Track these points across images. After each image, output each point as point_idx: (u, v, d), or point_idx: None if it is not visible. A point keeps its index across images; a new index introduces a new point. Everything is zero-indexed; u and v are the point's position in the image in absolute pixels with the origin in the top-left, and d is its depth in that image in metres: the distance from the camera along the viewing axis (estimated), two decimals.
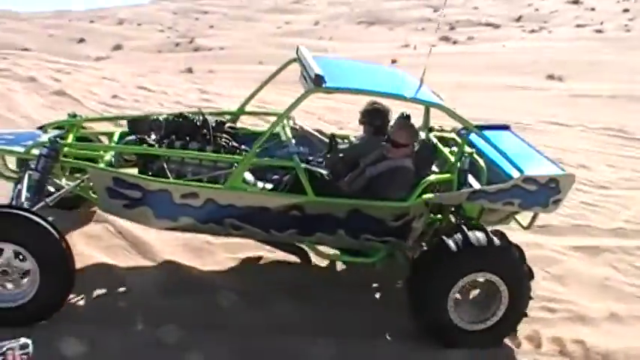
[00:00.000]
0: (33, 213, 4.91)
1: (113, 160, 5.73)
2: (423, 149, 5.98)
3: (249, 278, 5.96)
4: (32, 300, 4.91)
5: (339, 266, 6.40)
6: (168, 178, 5.48)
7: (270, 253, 6.23)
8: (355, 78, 6.12)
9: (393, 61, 30.52)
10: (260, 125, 7.41)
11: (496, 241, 5.21)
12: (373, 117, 6.15)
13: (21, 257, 4.85)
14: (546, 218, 7.57)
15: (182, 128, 5.84)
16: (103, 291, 5.49)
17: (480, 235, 5.23)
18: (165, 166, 5.56)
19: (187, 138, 5.69)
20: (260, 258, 6.36)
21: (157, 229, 5.81)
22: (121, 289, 5.56)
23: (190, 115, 6.03)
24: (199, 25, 43.57)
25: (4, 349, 2.14)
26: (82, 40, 36.90)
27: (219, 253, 6.36)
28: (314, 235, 5.61)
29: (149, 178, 5.46)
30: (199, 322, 5.19)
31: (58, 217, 6.23)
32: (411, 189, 5.47)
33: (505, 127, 6.79)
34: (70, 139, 5.90)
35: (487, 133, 6.15)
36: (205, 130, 5.78)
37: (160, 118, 6.04)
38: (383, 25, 46.86)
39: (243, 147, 5.86)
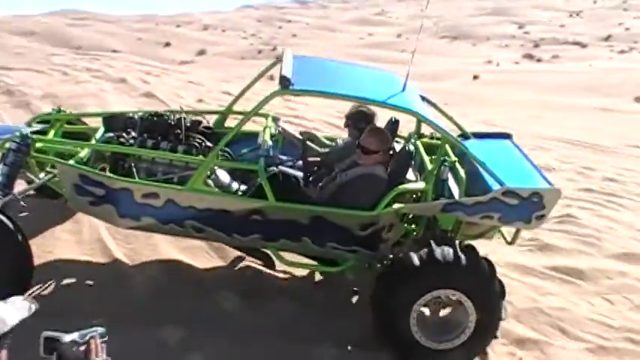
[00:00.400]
0: None
1: (89, 156, 5.65)
2: (401, 156, 5.58)
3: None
4: None
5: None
6: (134, 176, 5.40)
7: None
8: (333, 81, 5.72)
9: (475, 77, 30.23)
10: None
11: (462, 256, 4.83)
12: (357, 120, 5.94)
13: None
14: (630, 246, 7.36)
15: (156, 127, 5.71)
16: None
17: (445, 250, 4.86)
18: (132, 164, 5.46)
19: (159, 137, 5.57)
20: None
21: (121, 228, 5.70)
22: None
23: (166, 113, 5.90)
24: (282, 33, 44.11)
25: (87, 337, 2.16)
26: (168, 44, 37.75)
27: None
28: (278, 241, 5.39)
29: (111, 176, 5.34)
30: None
31: None
32: (380, 197, 5.18)
33: (506, 136, 6.41)
34: (52, 133, 5.93)
35: (484, 142, 5.96)
36: (178, 130, 5.62)
37: (135, 116, 5.90)
38: (466, 40, 46.50)
39: (209, 144, 5.62)
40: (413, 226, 5.56)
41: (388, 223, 5.26)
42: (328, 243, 5.33)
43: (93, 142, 5.82)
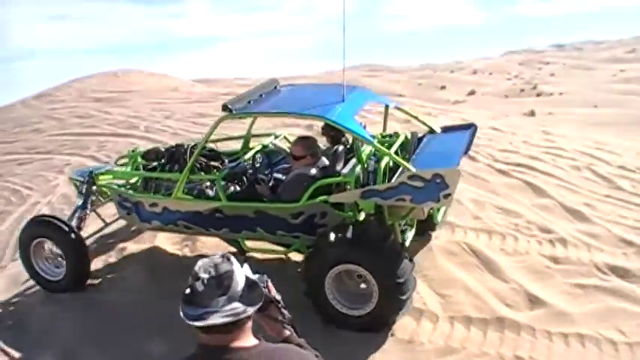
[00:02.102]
0: (59, 219, 6.30)
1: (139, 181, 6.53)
2: (334, 155, 5.59)
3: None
4: (64, 277, 6.30)
5: None
6: (157, 193, 6.16)
7: None
8: (281, 101, 5.87)
9: None
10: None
11: (368, 237, 4.95)
12: (326, 129, 6.03)
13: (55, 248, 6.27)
14: None
15: (174, 155, 6.35)
16: None
17: (351, 230, 4.98)
18: (157, 184, 6.32)
19: (174, 163, 6.26)
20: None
21: (142, 229, 6.83)
22: None
23: (182, 144, 6.58)
24: (542, 73, 41.86)
25: (264, 280, 2.39)
26: (443, 87, 37.62)
27: (557, 277, 5.99)
28: (241, 232, 5.75)
29: (130, 192, 6.24)
30: None
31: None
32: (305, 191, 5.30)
33: (468, 127, 6.18)
34: (126, 168, 6.81)
35: (442, 135, 6.03)
36: (186, 156, 6.15)
37: (162, 148, 6.73)
38: None
39: (213, 164, 6.27)
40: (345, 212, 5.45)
41: (318, 212, 5.35)
42: (277, 231, 5.60)
43: (121, 170, 6.81)
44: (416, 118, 6.34)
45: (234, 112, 5.48)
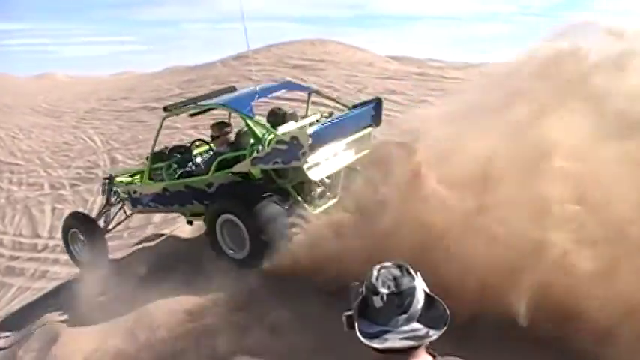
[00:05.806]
0: (84, 215, 8.12)
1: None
2: (239, 135, 6.31)
3: None
4: (90, 259, 7.39)
5: None
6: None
7: None
8: (218, 98, 6.79)
9: None
10: None
11: (236, 192, 5.92)
12: (269, 116, 6.57)
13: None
14: None
15: (172, 153, 7.10)
16: None
17: (229, 188, 6.01)
18: (156, 177, 6.86)
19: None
20: None
21: (134, 213, 7.70)
22: None
23: (183, 145, 7.54)
24: None
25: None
26: None
27: None
28: (186, 206, 6.63)
29: (122, 184, 7.29)
30: None
31: None
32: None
33: (373, 102, 6.72)
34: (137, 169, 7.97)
35: (351, 111, 6.61)
36: (175, 153, 7.12)
37: (166, 149, 7.37)
38: None
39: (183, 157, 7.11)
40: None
41: (227, 182, 6.08)
42: (204, 201, 6.33)
43: (132, 168, 8.24)
44: (334, 100, 7.39)
45: (171, 110, 6.64)
